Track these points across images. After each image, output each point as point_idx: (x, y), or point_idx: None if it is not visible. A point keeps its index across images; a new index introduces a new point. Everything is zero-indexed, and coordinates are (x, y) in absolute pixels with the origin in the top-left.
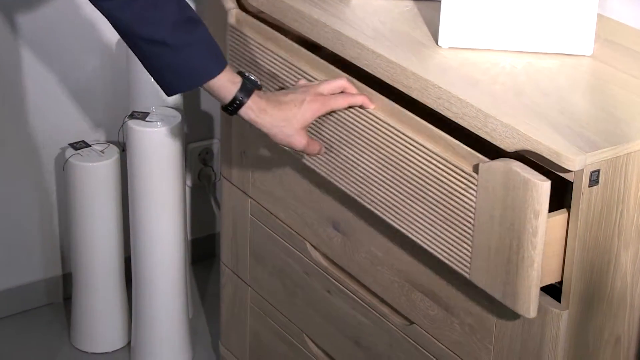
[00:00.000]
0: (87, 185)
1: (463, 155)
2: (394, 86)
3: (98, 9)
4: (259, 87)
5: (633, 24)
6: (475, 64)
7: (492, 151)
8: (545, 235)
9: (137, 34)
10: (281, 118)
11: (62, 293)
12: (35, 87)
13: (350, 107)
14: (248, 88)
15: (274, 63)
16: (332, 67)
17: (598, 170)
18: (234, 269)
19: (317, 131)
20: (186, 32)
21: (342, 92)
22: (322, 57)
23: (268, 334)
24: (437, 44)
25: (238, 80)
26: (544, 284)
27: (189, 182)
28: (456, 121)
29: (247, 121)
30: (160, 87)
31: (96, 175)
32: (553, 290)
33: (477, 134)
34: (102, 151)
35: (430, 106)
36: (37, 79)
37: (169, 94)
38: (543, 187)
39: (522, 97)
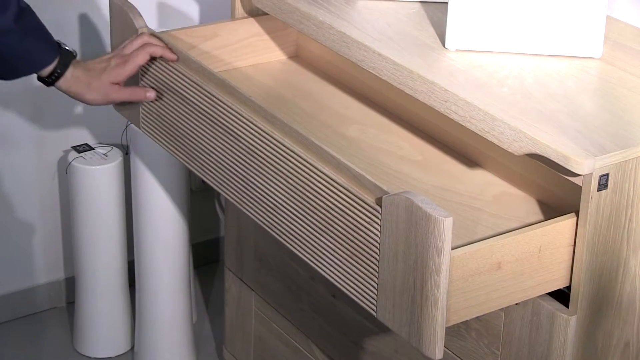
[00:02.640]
0: (90, 188)
1: (368, 187)
2: (400, 89)
3: None
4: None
5: None
6: (482, 67)
7: None
8: (449, 273)
9: None
10: (87, 82)
11: (65, 297)
12: (38, 89)
13: (153, 58)
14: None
15: (184, 84)
16: (240, 90)
17: (607, 174)
18: (238, 273)
19: (226, 159)
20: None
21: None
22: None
23: (273, 339)
24: (444, 46)
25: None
26: (552, 289)
27: (192, 186)
28: (463, 124)
29: (64, 91)
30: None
31: (99, 178)
32: (561, 295)
33: (485, 137)
34: (105, 154)
35: (437, 109)
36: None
37: (8, 79)
38: (445, 223)
39: (530, 100)
